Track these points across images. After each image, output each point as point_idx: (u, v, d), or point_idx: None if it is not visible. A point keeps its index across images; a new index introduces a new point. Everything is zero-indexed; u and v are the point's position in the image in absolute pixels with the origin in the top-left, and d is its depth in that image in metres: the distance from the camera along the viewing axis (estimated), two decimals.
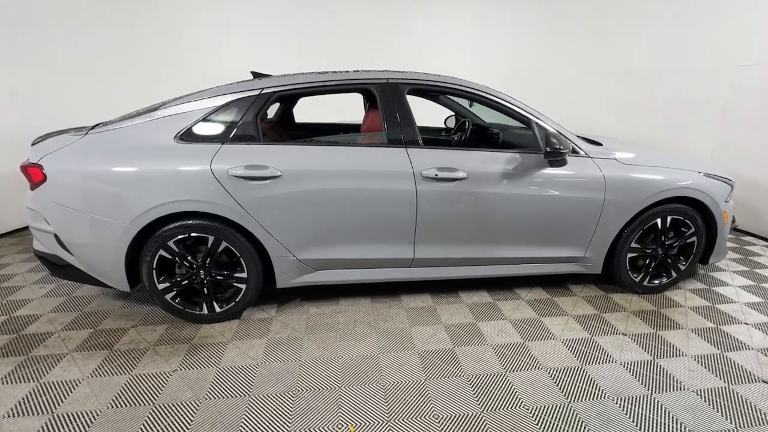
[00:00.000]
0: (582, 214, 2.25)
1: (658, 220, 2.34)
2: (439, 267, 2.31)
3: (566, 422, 1.54)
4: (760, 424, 1.53)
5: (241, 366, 1.84)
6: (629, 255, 2.41)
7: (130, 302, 2.40)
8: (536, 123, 2.20)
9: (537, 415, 1.57)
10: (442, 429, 1.50)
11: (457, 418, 1.55)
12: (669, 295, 2.54)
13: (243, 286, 2.14)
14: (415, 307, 2.37)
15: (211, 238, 2.02)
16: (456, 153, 2.16)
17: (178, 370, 1.82)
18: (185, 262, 2.06)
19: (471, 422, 1.53)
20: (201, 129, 2.01)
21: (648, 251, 2.43)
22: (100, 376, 1.77)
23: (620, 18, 4.67)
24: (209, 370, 1.81)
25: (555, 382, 1.75)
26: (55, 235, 2.01)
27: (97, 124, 2.18)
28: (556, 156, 2.08)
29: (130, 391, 1.68)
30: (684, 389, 1.72)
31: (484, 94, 2.23)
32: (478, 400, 1.64)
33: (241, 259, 2.07)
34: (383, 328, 2.15)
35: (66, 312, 2.29)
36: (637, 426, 1.52)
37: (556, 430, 1.50)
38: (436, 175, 2.07)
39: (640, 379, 1.77)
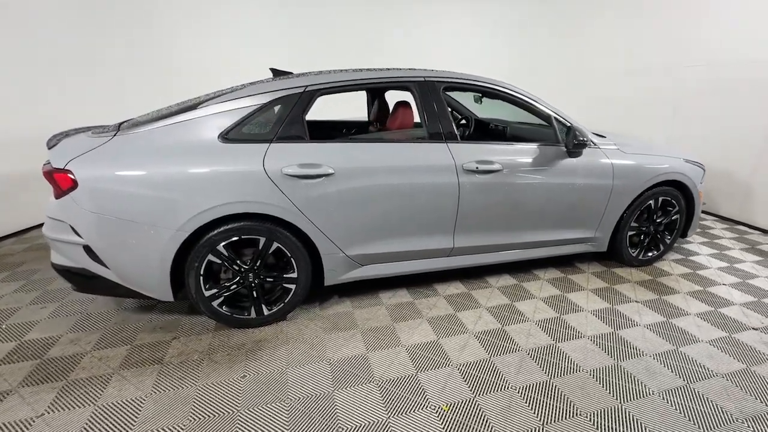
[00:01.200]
0: (594, 198, 2.53)
1: (652, 201, 2.70)
2: (475, 255, 2.45)
3: (623, 379, 1.76)
4: (764, 362, 1.88)
5: (313, 365, 1.84)
6: (629, 233, 2.75)
7: (156, 313, 2.25)
8: (556, 118, 2.42)
9: (597, 377, 1.77)
10: (523, 397, 1.65)
11: (532, 387, 1.71)
12: (658, 266, 2.93)
13: (293, 287, 2.11)
14: (452, 294, 2.49)
15: (262, 240, 1.97)
16: (490, 146, 2.31)
17: (246, 375, 1.77)
18: (234, 266, 1.99)
19: (545, 388, 1.70)
20: (246, 128, 1.95)
21: (643, 229, 2.79)
22: (164, 391, 1.68)
23: (585, 21, 5.15)
24: (281, 372, 1.79)
25: (600, 348, 1.98)
26: (86, 247, 1.84)
27: (121, 124, 2.02)
28: (581, 147, 2.32)
29: (205, 401, 1.62)
30: (699, 341, 2.04)
31: (509, 92, 2.40)
32: (543, 370, 1.82)
33: (292, 259, 2.05)
34: (431, 315, 2.25)
35: (87, 331, 2.09)
36: (676, 375, 1.79)
37: (618, 387, 1.72)
38: (477, 167, 2.21)
39: (664, 338, 2.07)
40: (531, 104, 2.42)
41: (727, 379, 1.77)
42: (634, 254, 2.82)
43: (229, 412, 1.57)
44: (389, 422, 1.53)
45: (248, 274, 2.03)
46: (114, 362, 1.85)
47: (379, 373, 1.79)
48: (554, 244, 2.61)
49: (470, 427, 1.51)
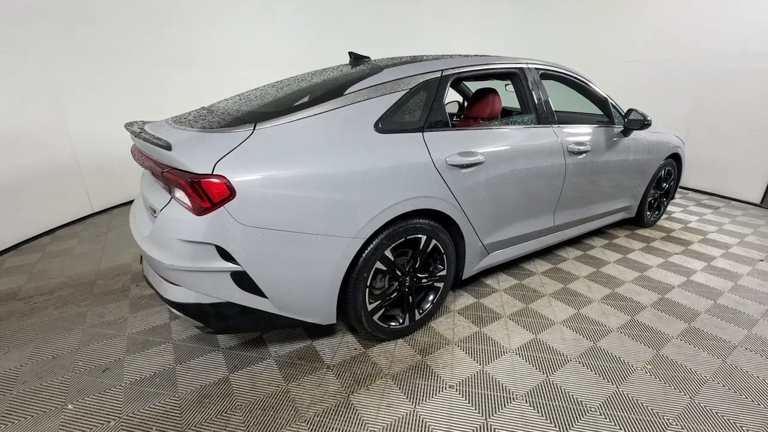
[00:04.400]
0: (637, 171, 2.95)
1: (663, 171, 3.27)
2: (564, 231, 2.64)
3: (732, 312, 2.15)
4: None
5: (504, 359, 1.78)
6: (648, 199, 3.28)
7: (274, 345, 1.86)
8: (612, 102, 2.74)
9: (716, 315, 2.13)
10: (686, 341, 1.89)
11: (685, 333, 1.96)
12: (660, 224, 3.56)
13: (441, 285, 1.99)
14: (544, 270, 2.64)
15: (423, 238, 1.80)
16: (579, 128, 2.49)
17: (453, 385, 1.62)
18: (397, 271, 1.78)
19: (691, 332, 1.97)
20: (398, 116, 1.74)
21: (656, 195, 3.36)
22: (392, 425, 1.43)
23: (540, 19, 5.80)
24: (482, 372, 1.69)
25: (694, 293, 2.36)
26: (238, 273, 1.43)
27: (207, 110, 1.65)
28: (647, 126, 2.67)
29: (444, 422, 1.44)
30: (742, 275, 2.59)
31: (582, 80, 2.62)
32: (678, 318, 2.09)
33: (444, 255, 1.92)
34: (550, 292, 2.36)
35: (213, 393, 1.63)
36: (758, 303, 2.26)
37: (734, 320, 2.09)
38: (578, 149, 2.37)
39: (723, 277, 2.56)
40: (591, 89, 2.69)
41: None
42: (649, 216, 3.39)
43: (480, 422, 1.43)
44: (620, 390, 1.60)
45: (405, 278, 1.83)
46: (285, 412, 1.49)
47: (565, 352, 1.83)
48: (609, 214, 2.98)
49: (679, 376, 1.68)
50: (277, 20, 4.84)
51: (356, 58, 2.32)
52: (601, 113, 2.83)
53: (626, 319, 2.10)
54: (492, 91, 2.44)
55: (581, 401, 1.54)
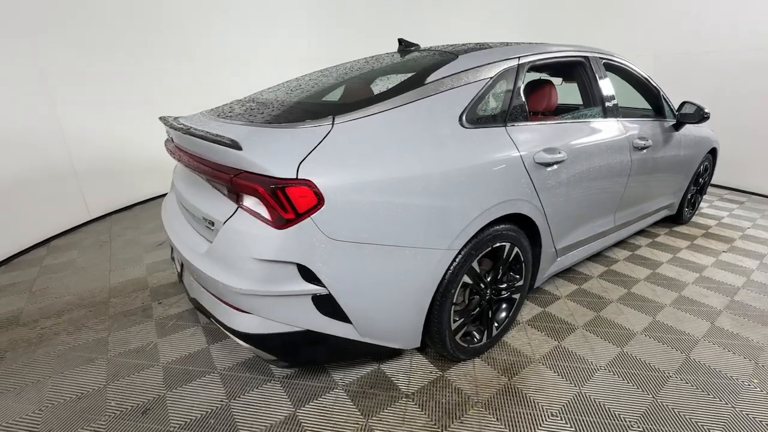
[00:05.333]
0: (685, 165, 2.84)
1: (701, 167, 3.17)
2: (619, 231, 2.49)
3: None
4: None
5: (599, 377, 1.60)
6: (688, 195, 3.18)
7: (338, 373, 1.63)
8: (664, 95, 2.61)
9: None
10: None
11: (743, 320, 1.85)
12: (695, 220, 3.48)
13: (517, 296, 1.80)
14: (600, 273, 2.48)
15: (506, 246, 1.61)
16: (639, 122, 2.33)
17: (557, 415, 1.43)
18: (482, 284, 1.58)
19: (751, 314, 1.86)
20: (481, 108, 1.54)
21: (694, 191, 3.26)
22: None
23: (550, 11, 5.68)
24: (580, 395, 1.51)
25: (762, 295, 2.25)
26: (320, 297, 1.19)
27: (254, 102, 1.42)
28: (705, 120, 2.54)
29: None
30: None
31: (636, 70, 2.47)
32: (748, 319, 1.97)
33: (523, 263, 1.73)
34: (615, 297, 2.20)
35: None
36: None
37: None
38: (643, 144, 2.22)
39: None
40: (650, 83, 2.55)
41: None
42: (687, 213, 3.29)
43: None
44: (736, 410, 1.44)
45: (487, 290, 1.63)
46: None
47: (661, 366, 1.67)
48: (656, 212, 2.86)
49: None
50: (279, 12, 4.55)
51: (406, 46, 2.10)
52: (648, 106, 2.70)
53: (707, 325, 1.96)
54: (549, 83, 2.24)
55: (702, 425, 1.38)
